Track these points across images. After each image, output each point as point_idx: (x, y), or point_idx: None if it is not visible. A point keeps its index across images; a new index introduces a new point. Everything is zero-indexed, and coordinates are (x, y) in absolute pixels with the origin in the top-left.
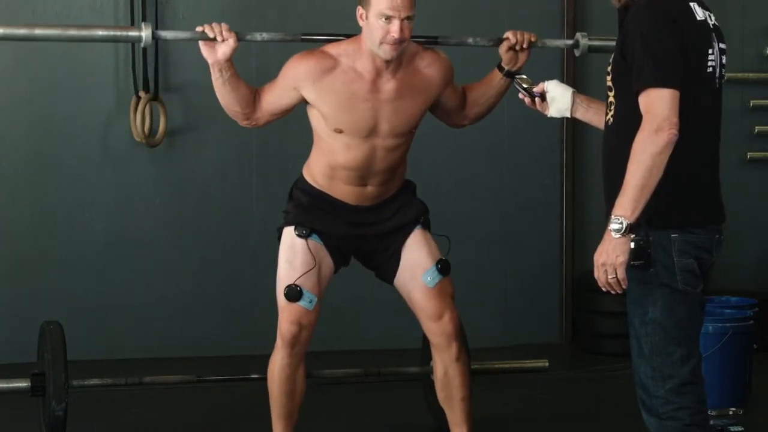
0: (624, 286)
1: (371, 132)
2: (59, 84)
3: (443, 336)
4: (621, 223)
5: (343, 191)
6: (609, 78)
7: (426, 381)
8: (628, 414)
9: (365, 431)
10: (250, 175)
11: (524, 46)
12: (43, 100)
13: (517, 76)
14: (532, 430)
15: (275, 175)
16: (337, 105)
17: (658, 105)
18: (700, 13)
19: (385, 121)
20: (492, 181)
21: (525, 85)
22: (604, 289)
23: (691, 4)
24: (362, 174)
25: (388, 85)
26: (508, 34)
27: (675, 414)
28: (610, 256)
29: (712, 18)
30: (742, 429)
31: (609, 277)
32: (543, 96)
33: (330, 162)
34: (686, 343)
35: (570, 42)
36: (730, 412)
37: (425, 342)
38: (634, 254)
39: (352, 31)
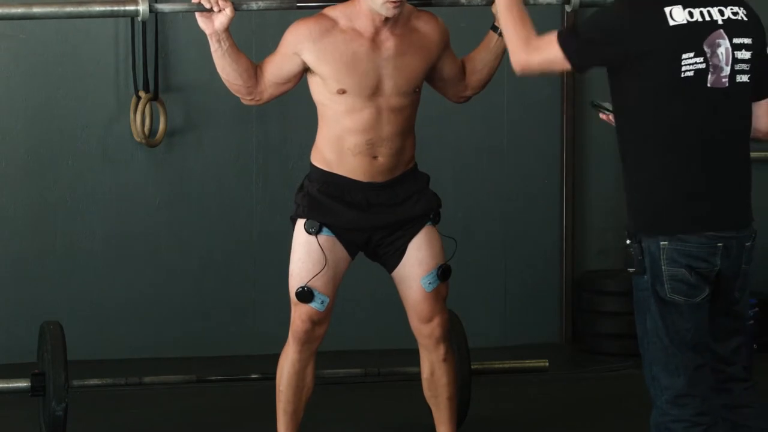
0: None
1: (375, 91)
2: (59, 84)
3: (431, 338)
4: None
5: (353, 165)
6: None
7: None
8: (628, 414)
9: (365, 431)
10: (250, 175)
11: None
12: (43, 100)
13: (596, 101)
14: (532, 430)
15: (275, 175)
16: (338, 65)
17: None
18: (679, 17)
19: (388, 78)
20: (492, 180)
21: (606, 105)
22: None
23: (669, 8)
24: (370, 140)
25: (388, 42)
26: None
27: (671, 425)
28: None
29: (724, 13)
30: None
31: None
32: None
33: (336, 131)
34: (682, 353)
35: None
36: None
37: None
38: (629, 261)
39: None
